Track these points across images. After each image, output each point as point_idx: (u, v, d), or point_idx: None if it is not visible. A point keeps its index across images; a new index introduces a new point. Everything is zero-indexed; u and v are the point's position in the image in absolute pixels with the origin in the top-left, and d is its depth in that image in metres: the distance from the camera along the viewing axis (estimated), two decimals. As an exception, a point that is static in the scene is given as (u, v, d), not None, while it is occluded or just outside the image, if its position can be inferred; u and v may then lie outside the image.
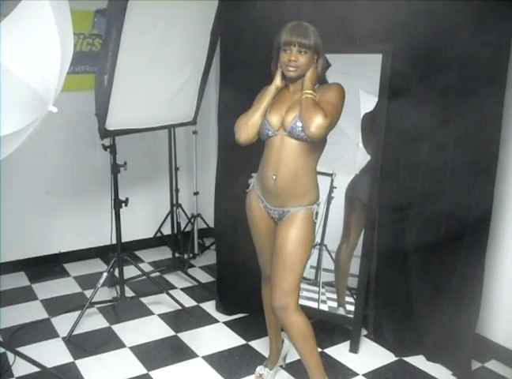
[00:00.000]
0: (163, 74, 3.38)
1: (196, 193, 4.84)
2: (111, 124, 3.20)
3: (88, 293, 4.00)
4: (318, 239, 3.60)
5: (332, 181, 3.55)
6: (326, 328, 3.49)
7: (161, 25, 3.19)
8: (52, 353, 3.26)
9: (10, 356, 3.19)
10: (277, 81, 2.51)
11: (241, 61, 3.42)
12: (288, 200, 2.52)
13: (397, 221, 3.24)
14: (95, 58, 4.24)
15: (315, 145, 2.47)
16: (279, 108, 2.49)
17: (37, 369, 3.01)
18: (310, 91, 2.38)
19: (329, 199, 3.57)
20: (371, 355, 3.28)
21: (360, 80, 3.35)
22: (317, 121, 2.29)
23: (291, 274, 2.49)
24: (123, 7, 2.87)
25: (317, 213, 2.56)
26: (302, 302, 3.12)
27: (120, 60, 3.02)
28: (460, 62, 2.89)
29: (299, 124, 2.38)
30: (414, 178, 3.14)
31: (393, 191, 3.22)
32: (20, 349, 3.19)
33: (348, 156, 3.58)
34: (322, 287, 3.63)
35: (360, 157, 3.42)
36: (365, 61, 3.28)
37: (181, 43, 3.38)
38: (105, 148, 3.55)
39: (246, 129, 2.50)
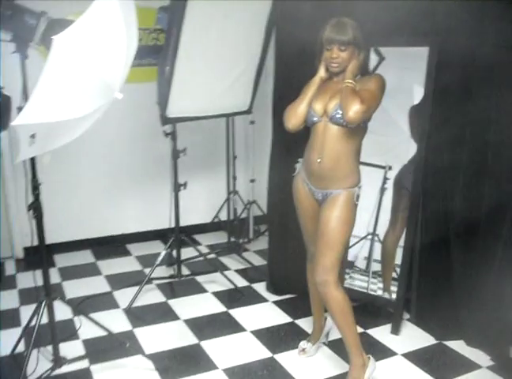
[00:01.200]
0: (219, 66, 3.61)
1: (252, 181, 5.05)
2: (172, 112, 3.46)
3: (147, 271, 4.27)
4: (370, 229, 3.75)
5: (385, 172, 3.68)
6: (370, 311, 3.64)
7: (218, 21, 3.43)
8: (113, 321, 3.54)
9: (77, 323, 3.51)
10: (321, 73, 2.71)
11: (294, 54, 3.54)
12: (330, 182, 2.72)
13: (441, 208, 3.35)
14: (158, 51, 4.47)
15: (356, 131, 2.66)
16: (323, 97, 2.70)
17: (99, 334, 3.30)
18: (350, 81, 2.57)
19: (383, 190, 3.70)
20: (412, 338, 3.41)
21: (416, 74, 3.41)
22: (354, 107, 2.48)
23: (333, 251, 2.69)
24: (183, 6, 3.13)
25: (358, 195, 2.74)
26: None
27: (180, 53, 3.28)
28: (508, 57, 2.97)
29: (340, 111, 2.58)
30: (457, 167, 3.25)
31: (436, 179, 3.34)
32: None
33: (401, 148, 3.68)
34: (373, 277, 3.76)
35: (413, 149, 3.50)
36: (422, 55, 3.32)
37: (237, 38, 3.61)
38: (166, 134, 3.81)
39: (295, 116, 2.71)
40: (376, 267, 3.77)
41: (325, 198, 2.76)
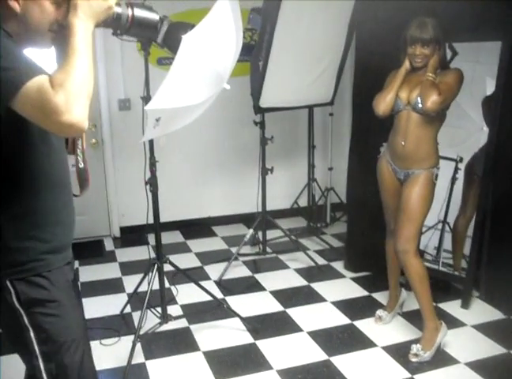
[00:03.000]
0: (307, 61, 4.00)
1: (330, 169, 5.37)
2: (263, 102, 3.88)
3: (233, 250, 4.68)
4: (441, 217, 4.00)
5: (456, 163, 3.94)
6: (441, 287, 3.90)
7: (307, 21, 3.80)
8: (206, 291, 3.97)
9: (174, 291, 4.00)
10: (407, 65, 3.04)
11: (373, 52, 3.79)
12: (412, 163, 3.06)
13: (510, 194, 3.58)
14: (244, 49, 4.79)
15: (435, 118, 2.99)
16: (407, 87, 3.03)
17: (195, 300, 3.79)
18: (431, 74, 2.90)
19: (453, 180, 3.96)
20: (481, 312, 3.66)
21: (489, 68, 3.63)
22: (432, 98, 2.82)
23: (413, 224, 3.05)
24: (277, 6, 3.51)
25: (436, 175, 3.07)
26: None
27: (273, 49, 3.67)
28: None
29: (420, 100, 2.90)
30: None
31: (506, 164, 3.55)
32: (181, 286, 3.99)
33: (472, 139, 3.92)
34: (443, 266, 4.00)
35: (484, 139, 3.71)
36: (493, 50, 3.52)
37: (322, 35, 3.97)
38: (256, 123, 4.21)
39: (384, 103, 3.06)
40: (445, 255, 4.01)
41: (407, 177, 3.10)
